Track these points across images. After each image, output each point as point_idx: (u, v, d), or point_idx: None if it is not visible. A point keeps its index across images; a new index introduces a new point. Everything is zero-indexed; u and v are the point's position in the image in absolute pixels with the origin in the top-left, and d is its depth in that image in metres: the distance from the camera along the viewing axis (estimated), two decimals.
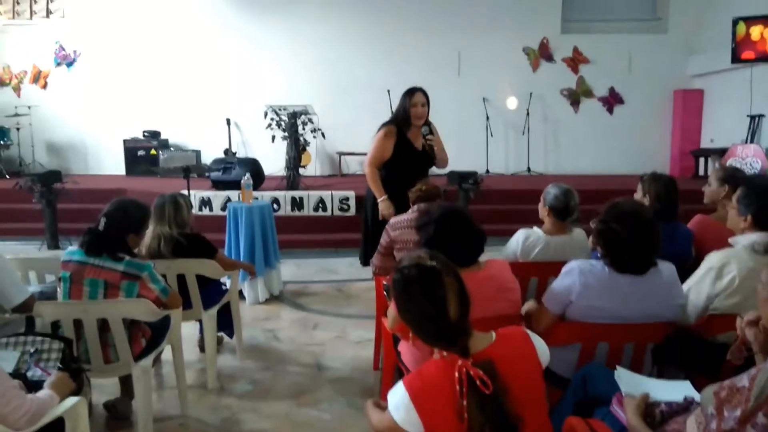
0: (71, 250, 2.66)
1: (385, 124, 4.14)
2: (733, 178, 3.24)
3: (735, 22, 7.92)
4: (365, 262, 4.27)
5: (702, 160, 9.52)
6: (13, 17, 10.52)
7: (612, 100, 10.39)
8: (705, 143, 9.79)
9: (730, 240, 2.49)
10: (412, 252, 2.26)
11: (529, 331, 1.62)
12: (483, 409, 1.37)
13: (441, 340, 1.51)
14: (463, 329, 1.50)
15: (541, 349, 1.58)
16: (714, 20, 9.41)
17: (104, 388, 3.13)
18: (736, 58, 8.04)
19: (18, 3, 10.48)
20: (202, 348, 3.77)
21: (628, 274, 2.18)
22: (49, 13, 10.50)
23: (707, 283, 2.38)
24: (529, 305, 2.46)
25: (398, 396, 1.47)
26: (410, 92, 4.03)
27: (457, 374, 1.40)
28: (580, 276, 2.20)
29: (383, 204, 4.00)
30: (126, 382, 2.90)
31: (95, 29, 10.26)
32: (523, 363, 1.52)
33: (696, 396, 1.74)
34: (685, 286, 2.46)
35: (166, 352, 3.15)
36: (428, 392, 1.44)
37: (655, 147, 10.30)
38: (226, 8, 10.19)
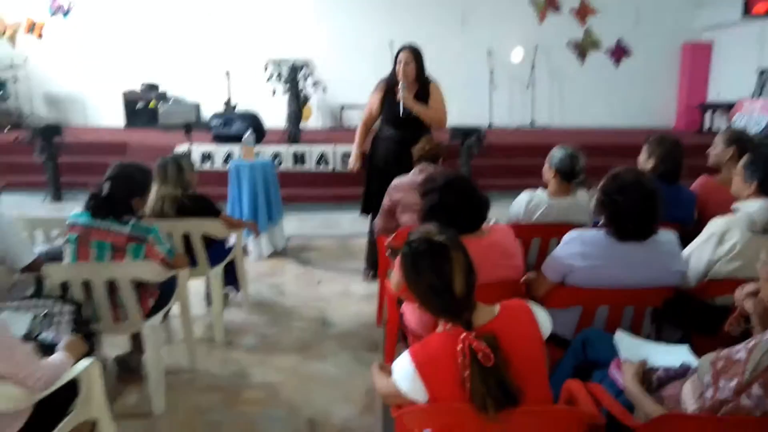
0: (77, 212, 2.67)
1: (380, 81, 4.18)
2: (739, 140, 3.20)
3: None
4: (364, 211, 4.38)
5: (708, 114, 9.44)
6: None
7: (619, 53, 10.20)
8: (712, 97, 9.67)
9: (733, 206, 2.50)
10: (421, 224, 2.29)
11: (531, 303, 1.65)
12: (485, 380, 1.41)
13: (446, 313, 1.55)
14: (468, 304, 1.54)
15: (543, 321, 1.61)
16: None
17: (115, 341, 3.21)
18: (747, 12, 7.85)
19: None
20: (209, 302, 3.84)
21: (629, 241, 2.19)
22: None
23: (708, 248, 2.41)
24: (530, 276, 2.49)
25: (404, 366, 1.51)
26: (398, 51, 4.02)
27: (460, 346, 1.44)
28: (581, 245, 2.22)
29: (351, 157, 4.45)
30: (136, 338, 2.98)
31: None
32: (525, 336, 1.56)
33: (693, 362, 1.79)
34: (687, 251, 2.49)
35: (174, 307, 3.21)
36: (433, 363, 1.48)
37: (661, 100, 10.19)
38: None
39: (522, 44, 10.07)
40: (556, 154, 3.09)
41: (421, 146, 3.44)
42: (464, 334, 1.47)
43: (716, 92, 9.57)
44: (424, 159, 3.39)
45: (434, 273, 1.55)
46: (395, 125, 4.08)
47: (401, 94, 3.92)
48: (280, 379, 3.04)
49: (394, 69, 4.03)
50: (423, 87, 4.05)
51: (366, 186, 4.33)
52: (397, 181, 3.33)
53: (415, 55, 3.99)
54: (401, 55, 3.98)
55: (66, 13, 10.17)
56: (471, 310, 1.54)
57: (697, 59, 9.79)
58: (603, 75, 10.20)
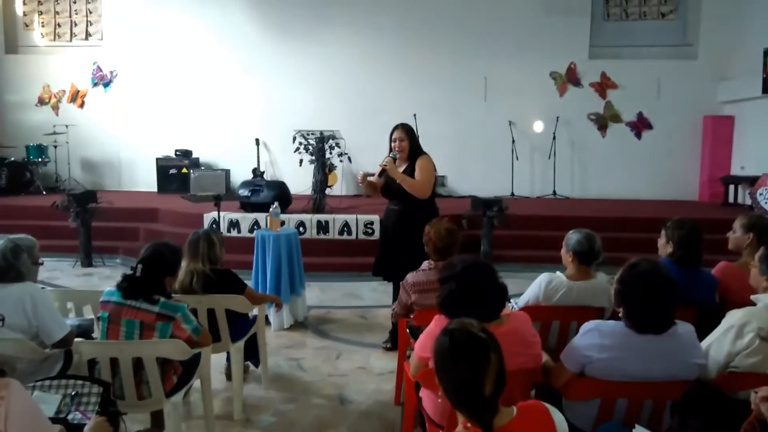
0: (110, 290, 2.78)
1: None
2: (757, 225, 3.23)
3: (766, 53, 7.86)
4: (375, 272, 4.65)
5: (732, 187, 9.43)
6: (54, 39, 10.97)
7: (640, 126, 10.33)
8: (735, 170, 9.66)
9: (752, 298, 2.50)
10: (439, 312, 2.33)
11: (548, 406, 1.66)
12: None
13: (468, 410, 1.55)
14: (492, 408, 1.54)
15: (560, 424, 1.63)
16: (745, 47, 9.34)
17: (136, 416, 3.25)
18: (767, 89, 7.96)
19: (59, 26, 10.93)
20: (228, 376, 3.89)
21: (648, 334, 2.21)
22: (88, 35, 10.94)
23: (728, 341, 2.40)
24: (546, 358, 2.49)
25: None
26: (393, 129, 4.42)
27: None
28: (599, 337, 2.23)
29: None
30: (157, 415, 3.02)
31: (131, 51, 10.64)
32: None
33: None
34: (706, 342, 2.48)
35: (195, 382, 3.24)
36: None
37: (683, 173, 10.21)
38: (256, 33, 10.47)
39: (543, 115, 10.31)
40: (573, 237, 3.13)
41: (432, 240, 3.29)
42: None
43: (739, 165, 9.57)
44: (438, 252, 3.29)
45: (470, 369, 1.54)
46: (389, 196, 4.49)
47: (385, 160, 4.28)
48: None
49: (390, 146, 4.39)
50: (414, 161, 4.36)
51: (377, 249, 4.69)
52: (412, 279, 3.26)
53: (407, 131, 4.38)
54: (395, 133, 4.38)
55: (107, 84, 10.77)
56: (493, 414, 1.54)
57: (718, 132, 9.85)
58: (625, 147, 10.30)
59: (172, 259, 2.85)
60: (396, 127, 4.41)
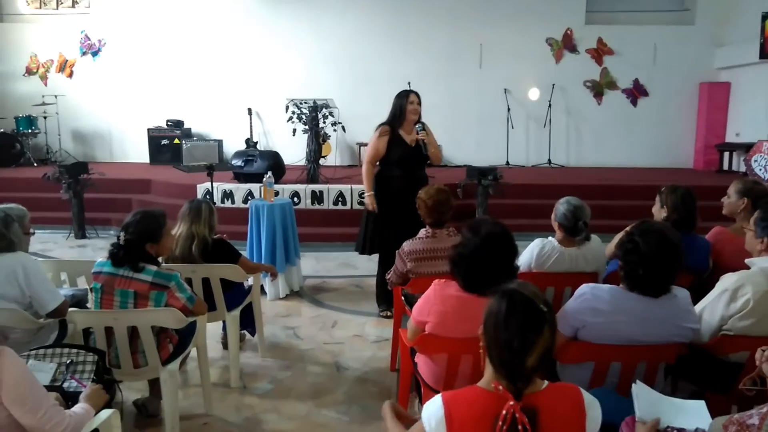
0: (101, 261, 2.76)
1: (380, 125, 4.41)
2: (752, 191, 3.23)
3: (764, 17, 7.76)
4: (362, 251, 4.55)
5: (727, 154, 9.43)
6: (40, 7, 10.72)
7: (636, 92, 10.26)
8: (730, 137, 9.64)
9: (746, 261, 2.51)
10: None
11: (586, 397, 1.58)
12: None
13: (505, 372, 1.50)
14: (529, 379, 1.50)
15: (593, 418, 1.56)
16: (742, 12, 9.22)
17: (133, 385, 3.27)
18: (764, 54, 7.90)
19: None
20: (225, 345, 3.90)
21: (642, 294, 2.20)
22: (74, 3, 10.67)
23: (721, 304, 2.41)
24: None
25: (434, 408, 1.51)
26: (406, 94, 4.34)
27: (504, 412, 1.44)
28: (593, 300, 2.23)
29: (368, 199, 4.44)
30: (154, 383, 3.03)
31: (120, 19, 10.41)
32: (567, 424, 1.52)
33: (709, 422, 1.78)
34: (699, 306, 2.49)
35: (191, 351, 3.26)
36: (465, 418, 1.48)
37: (679, 140, 10.18)
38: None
39: (539, 83, 10.20)
40: (560, 208, 3.12)
41: (423, 201, 3.35)
42: (512, 402, 1.46)
43: (734, 132, 9.54)
44: (432, 214, 3.33)
45: (520, 335, 1.47)
46: (403, 164, 4.34)
47: (422, 133, 4.23)
48: (293, 427, 3.05)
49: (402, 109, 4.28)
50: (423, 126, 4.35)
51: (365, 225, 4.49)
52: (408, 247, 3.25)
53: (419, 97, 4.33)
54: (412, 97, 4.29)
55: (96, 53, 10.57)
56: (528, 383, 1.50)
57: (714, 99, 9.79)
58: (620, 114, 10.24)
59: (153, 226, 2.76)
60: (410, 92, 4.34)
